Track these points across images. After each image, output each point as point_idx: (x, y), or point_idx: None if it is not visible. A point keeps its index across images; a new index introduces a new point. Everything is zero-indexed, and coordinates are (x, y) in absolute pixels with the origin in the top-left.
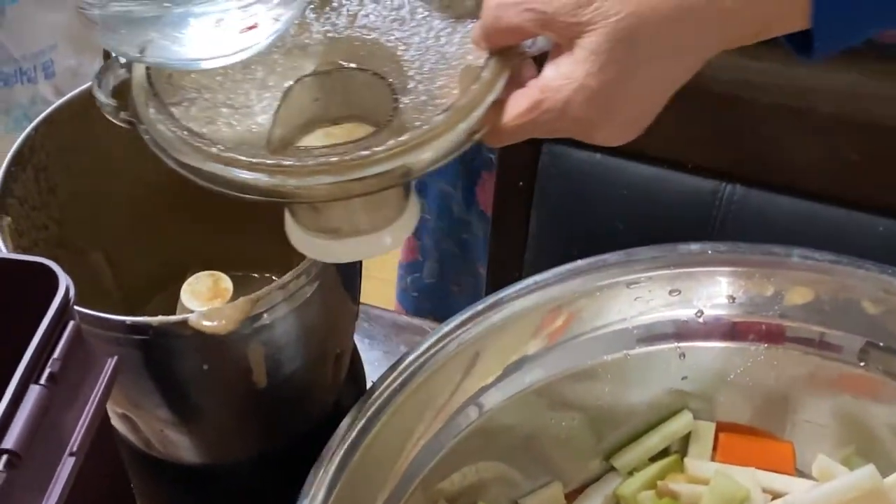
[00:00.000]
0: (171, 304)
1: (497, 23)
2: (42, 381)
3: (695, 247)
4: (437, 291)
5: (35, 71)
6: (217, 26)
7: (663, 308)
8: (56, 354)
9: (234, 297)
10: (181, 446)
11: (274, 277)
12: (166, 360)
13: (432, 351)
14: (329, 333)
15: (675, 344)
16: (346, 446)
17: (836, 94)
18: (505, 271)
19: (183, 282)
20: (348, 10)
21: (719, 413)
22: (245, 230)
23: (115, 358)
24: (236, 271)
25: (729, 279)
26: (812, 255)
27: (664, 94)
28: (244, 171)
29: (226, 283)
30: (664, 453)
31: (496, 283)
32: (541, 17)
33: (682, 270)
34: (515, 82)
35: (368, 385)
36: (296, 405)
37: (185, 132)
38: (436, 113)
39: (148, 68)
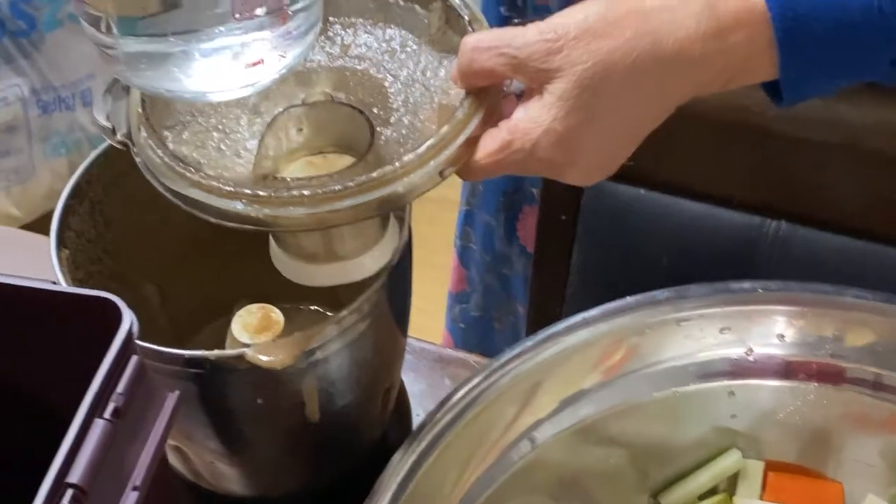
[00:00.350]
0: (221, 336)
1: (471, 65)
2: (106, 415)
3: (746, 285)
4: (481, 325)
5: (73, 99)
6: (224, 61)
7: (714, 346)
8: (120, 389)
9: (284, 329)
10: (231, 479)
11: (319, 309)
12: (221, 394)
13: (484, 385)
14: (380, 367)
15: (725, 382)
16: (398, 480)
17: (881, 130)
18: (547, 305)
19: (231, 313)
20: (343, 41)
21: (768, 452)
22: None
23: (177, 393)
24: (283, 303)
25: (780, 318)
26: (865, 295)
27: (633, 138)
28: (223, 199)
29: (276, 315)
30: (712, 492)
31: (538, 317)
32: (512, 62)
33: (733, 308)
34: (494, 118)
35: (414, 418)
36: (345, 439)
37: (171, 157)
38: (413, 148)
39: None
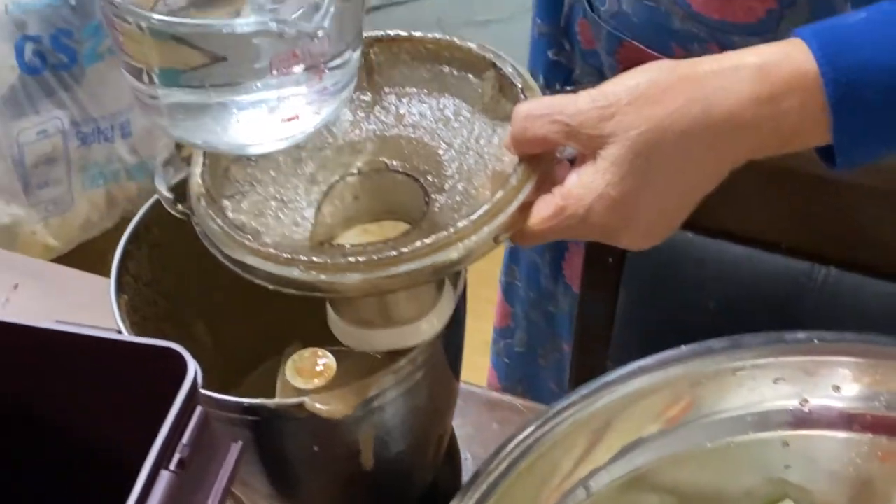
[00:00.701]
0: (269, 377)
1: (524, 133)
2: (172, 466)
3: (801, 335)
4: (526, 362)
5: (112, 130)
6: (261, 115)
7: (769, 396)
8: (185, 440)
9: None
10: None
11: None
12: (278, 441)
13: (539, 433)
14: (434, 414)
15: (780, 433)
16: None
17: None
18: (591, 347)
19: (280, 354)
20: (398, 110)
21: (819, 502)
22: None
23: (240, 443)
24: (332, 344)
25: (835, 369)
26: None
27: (687, 203)
28: (281, 266)
29: (329, 360)
30: None
31: (582, 358)
32: (565, 129)
33: (788, 359)
34: (548, 183)
35: (463, 463)
36: (398, 485)
37: (230, 226)
38: (466, 215)
39: (204, 164)
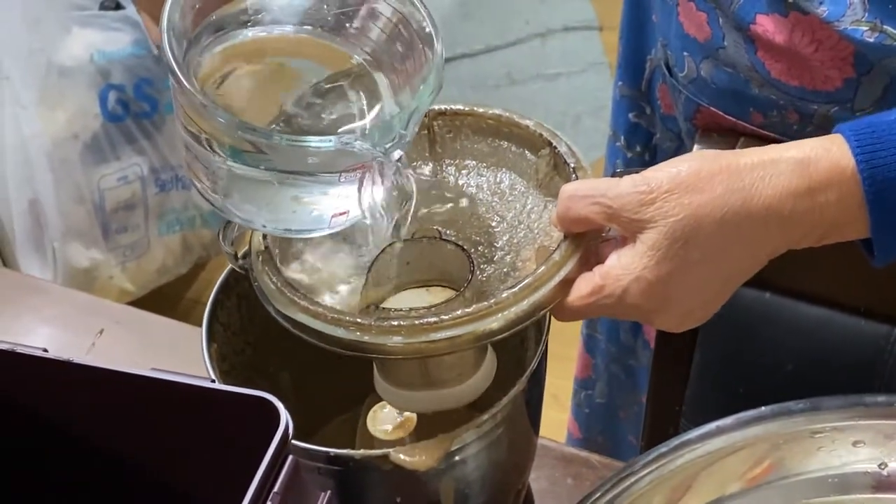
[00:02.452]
0: (348, 428)
1: (567, 212)
2: None
3: (881, 398)
4: (606, 413)
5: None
6: (315, 209)
7: (847, 459)
8: (276, 489)
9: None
10: None
11: None
12: (361, 491)
13: (617, 490)
14: (513, 468)
15: (858, 496)
16: None
17: None
18: (666, 404)
19: (358, 406)
20: (456, 181)
21: None
22: None
23: (329, 492)
24: None
25: None
26: None
27: (724, 290)
28: (328, 325)
29: (410, 413)
30: None
31: (656, 415)
32: (606, 211)
33: (867, 422)
34: (592, 261)
35: None
36: None
37: (283, 284)
38: (508, 286)
39: None
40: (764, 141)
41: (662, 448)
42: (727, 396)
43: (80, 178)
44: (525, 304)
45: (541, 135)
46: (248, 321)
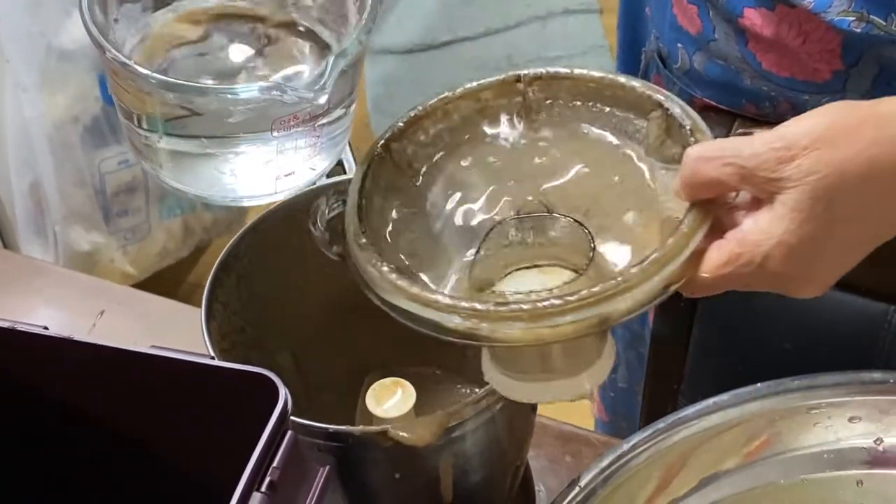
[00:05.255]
0: (350, 405)
1: (695, 176)
2: (263, 489)
3: (877, 375)
4: (628, 396)
5: None
6: (256, 171)
7: (843, 435)
8: (275, 463)
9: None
10: None
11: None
12: (361, 467)
13: (614, 466)
14: (511, 445)
15: (854, 471)
16: None
17: None
18: (664, 382)
19: (359, 383)
20: (558, 149)
21: None
22: None
23: (328, 468)
24: (408, 367)
25: None
26: None
27: (863, 251)
28: (441, 313)
29: (409, 390)
30: None
31: (654, 393)
32: (740, 172)
33: (863, 398)
34: (717, 230)
35: (537, 495)
36: None
37: (389, 270)
38: (634, 263)
39: (360, 204)
40: (759, 124)
41: (660, 424)
42: (725, 375)
43: (80, 162)
44: (656, 281)
45: (650, 96)
46: (247, 300)
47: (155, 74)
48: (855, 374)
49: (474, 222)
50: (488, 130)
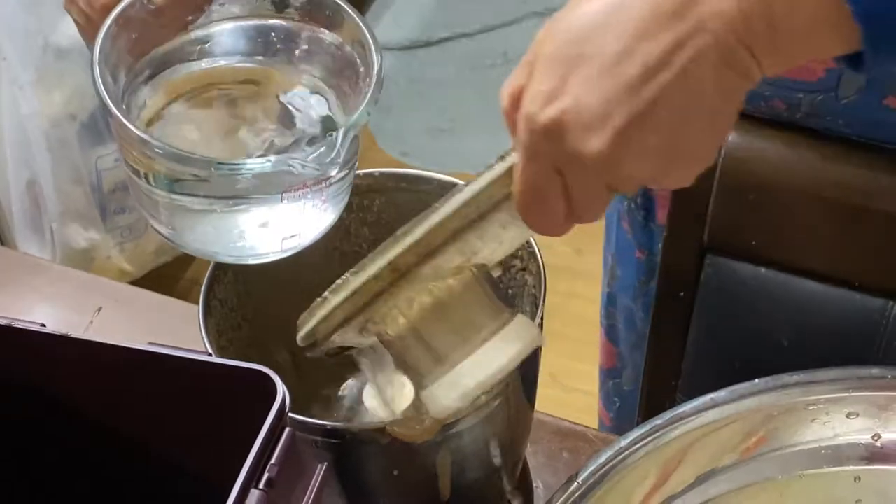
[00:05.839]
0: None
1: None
2: (261, 485)
3: (875, 370)
4: (635, 399)
5: None
6: (264, 233)
7: (841, 430)
8: (273, 460)
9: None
10: None
11: None
12: (359, 464)
13: (613, 462)
14: (509, 442)
15: (852, 467)
16: None
17: None
18: (661, 379)
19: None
20: None
21: None
22: None
23: (325, 464)
24: None
25: None
26: None
27: (627, 77)
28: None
29: (407, 386)
30: None
31: (652, 390)
32: (526, 64)
33: (861, 394)
34: None
35: (535, 491)
36: None
37: None
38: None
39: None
40: (754, 121)
41: (657, 420)
42: (722, 372)
43: (77, 159)
44: (467, 191)
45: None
46: (245, 297)
47: (167, 146)
48: (853, 370)
49: None
50: None
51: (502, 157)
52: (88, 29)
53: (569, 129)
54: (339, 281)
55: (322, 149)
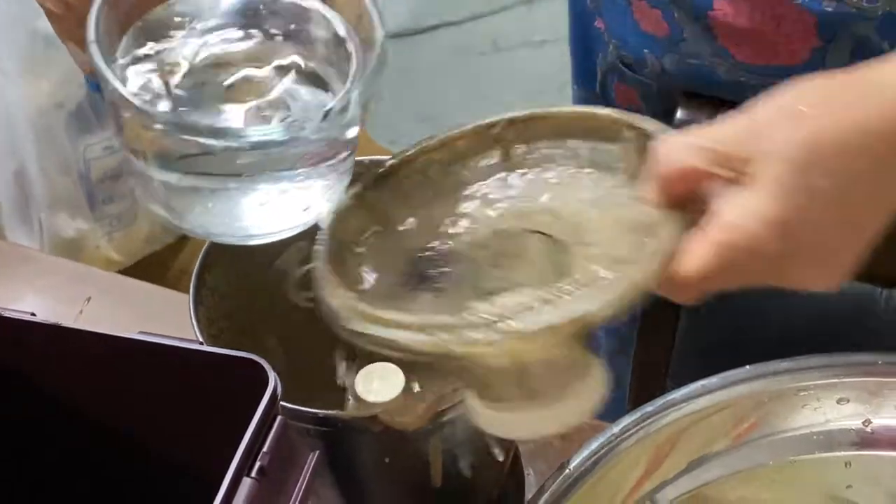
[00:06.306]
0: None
1: (666, 163)
2: (253, 474)
3: (865, 356)
4: (620, 402)
5: None
6: (280, 206)
7: (832, 416)
8: (265, 448)
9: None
10: None
11: None
12: (350, 452)
13: (604, 450)
14: None
15: (843, 453)
16: None
17: None
18: (651, 368)
19: (350, 366)
20: (537, 196)
21: None
22: None
23: (317, 453)
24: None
25: None
26: None
27: (867, 225)
28: (407, 332)
29: (398, 374)
30: None
31: (642, 379)
32: (710, 156)
33: (851, 380)
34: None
35: (526, 478)
36: (464, 498)
37: (351, 295)
38: (607, 272)
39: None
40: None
41: (648, 407)
42: (714, 358)
43: (65, 148)
44: (626, 282)
45: (622, 120)
46: (235, 285)
47: (168, 114)
48: (843, 356)
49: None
50: (466, 178)
51: None
52: (64, 19)
53: (791, 266)
54: None
55: (335, 107)
